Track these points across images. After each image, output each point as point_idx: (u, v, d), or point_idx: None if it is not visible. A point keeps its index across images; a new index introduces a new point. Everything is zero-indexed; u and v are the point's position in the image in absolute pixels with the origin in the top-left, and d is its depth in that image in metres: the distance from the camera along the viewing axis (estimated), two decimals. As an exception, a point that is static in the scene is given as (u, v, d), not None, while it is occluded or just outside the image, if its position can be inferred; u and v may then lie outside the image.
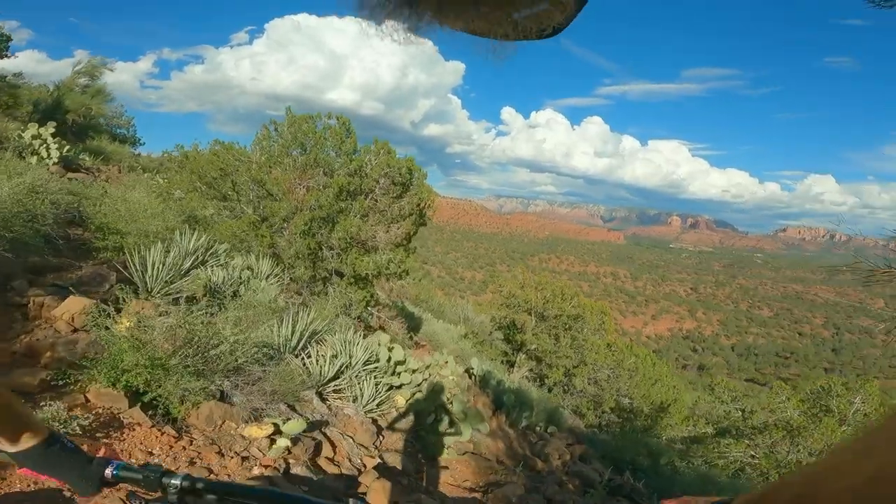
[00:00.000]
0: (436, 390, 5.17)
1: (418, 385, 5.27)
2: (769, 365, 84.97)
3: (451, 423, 4.45)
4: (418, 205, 8.30)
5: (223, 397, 3.23)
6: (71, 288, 3.72)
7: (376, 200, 7.68)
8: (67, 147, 8.53)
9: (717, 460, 6.35)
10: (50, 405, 2.32)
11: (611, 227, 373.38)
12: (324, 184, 6.93)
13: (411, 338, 10.20)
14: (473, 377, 7.77)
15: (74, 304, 3.38)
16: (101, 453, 0.94)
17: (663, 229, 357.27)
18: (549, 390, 10.77)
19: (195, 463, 2.45)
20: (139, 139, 15.39)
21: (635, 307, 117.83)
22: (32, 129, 7.87)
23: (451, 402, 5.01)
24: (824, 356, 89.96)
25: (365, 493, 2.73)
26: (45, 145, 7.66)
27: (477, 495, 3.23)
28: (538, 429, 5.89)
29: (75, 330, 3.30)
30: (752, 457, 6.10)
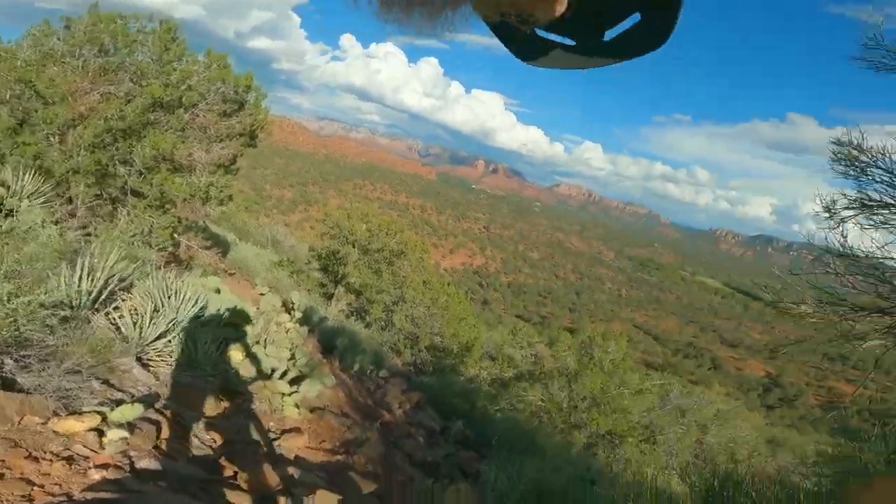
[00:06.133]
0: (277, 342, 4.86)
1: (255, 336, 4.87)
2: (533, 303, 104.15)
3: (297, 379, 4.31)
4: (251, 125, 7.27)
5: (6, 384, 2.43)
6: None
7: (198, 116, 6.42)
8: None
9: (518, 404, 7.68)
10: None
11: (425, 162, 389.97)
12: (128, 91, 5.43)
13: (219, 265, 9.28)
14: (293, 312, 7.54)
15: None
16: None
17: (469, 171, 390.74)
18: (368, 326, 11.17)
19: (2, 475, 1.83)
20: None
21: (437, 240, 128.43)
22: None
23: (294, 355, 4.81)
24: (571, 298, 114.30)
25: (234, 477, 2.49)
26: None
27: (340, 457, 3.28)
28: (370, 373, 6.16)
29: None
30: (542, 400, 7.62)
